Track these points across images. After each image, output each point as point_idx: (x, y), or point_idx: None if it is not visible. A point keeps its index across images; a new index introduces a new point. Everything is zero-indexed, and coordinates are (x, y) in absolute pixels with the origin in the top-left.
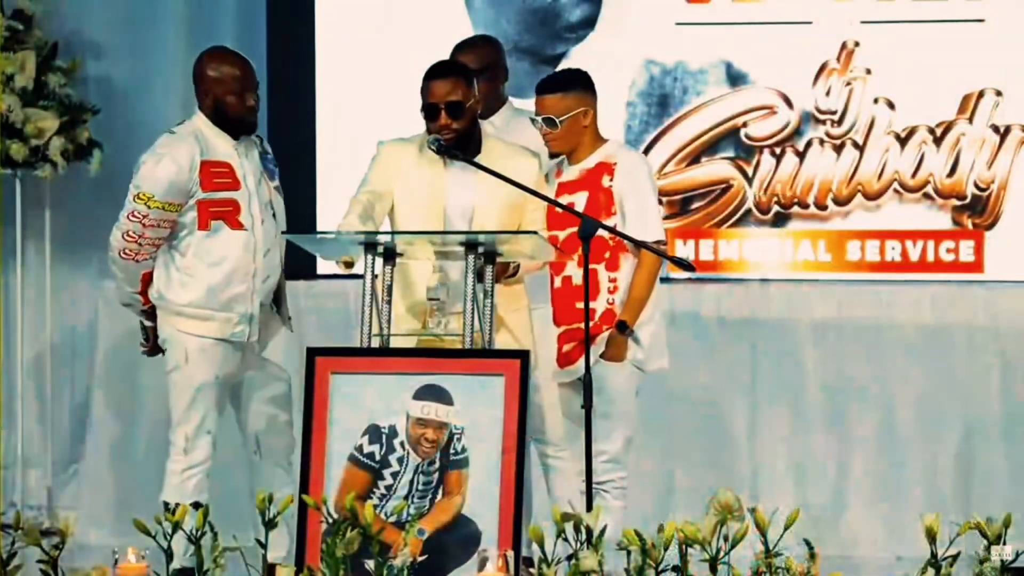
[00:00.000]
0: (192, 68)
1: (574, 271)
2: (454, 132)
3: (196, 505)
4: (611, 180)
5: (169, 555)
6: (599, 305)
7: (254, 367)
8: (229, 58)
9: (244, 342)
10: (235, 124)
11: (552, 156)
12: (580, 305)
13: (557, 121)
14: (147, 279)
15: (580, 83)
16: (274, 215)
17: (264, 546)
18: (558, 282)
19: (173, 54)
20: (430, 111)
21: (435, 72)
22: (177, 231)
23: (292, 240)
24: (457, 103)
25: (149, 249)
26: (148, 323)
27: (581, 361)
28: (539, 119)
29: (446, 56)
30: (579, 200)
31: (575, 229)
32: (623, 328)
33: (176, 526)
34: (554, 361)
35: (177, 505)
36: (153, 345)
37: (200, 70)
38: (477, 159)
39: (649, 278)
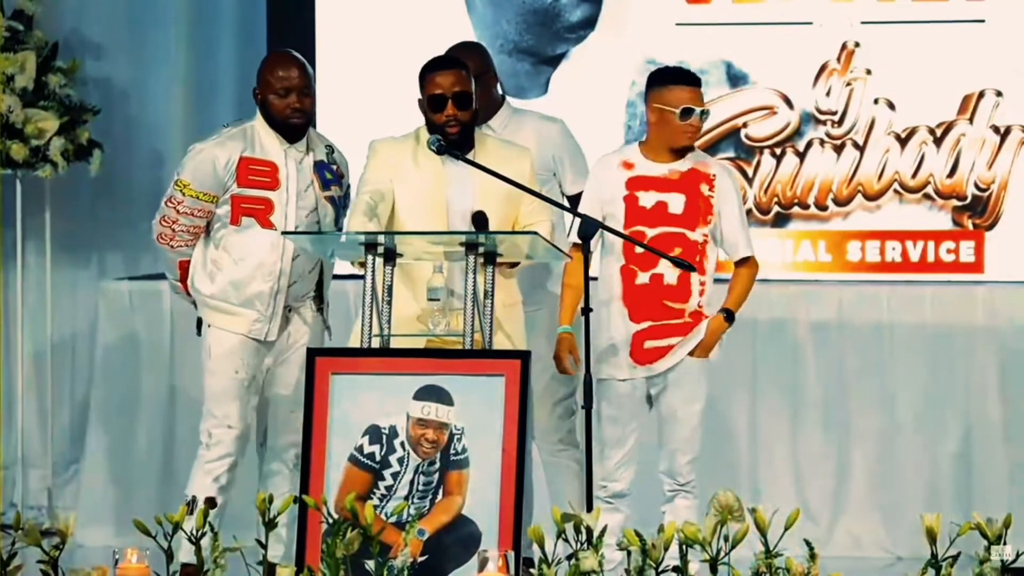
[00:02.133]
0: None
1: (666, 269)
2: (460, 124)
3: (211, 502)
4: (711, 191)
5: (169, 555)
6: (690, 306)
7: (279, 364)
8: (283, 59)
9: (263, 340)
10: (279, 125)
11: (681, 151)
12: (673, 304)
13: (707, 114)
14: (185, 268)
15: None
16: (319, 222)
17: (264, 546)
18: (644, 278)
19: (173, 55)
20: (437, 103)
21: (439, 65)
22: (214, 223)
23: (293, 240)
24: (464, 94)
25: (183, 236)
26: (198, 313)
27: (662, 360)
28: (699, 110)
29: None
30: (674, 201)
31: (666, 229)
32: (731, 317)
33: (176, 526)
34: (628, 357)
35: (194, 499)
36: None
37: (259, 70)
38: (473, 158)
39: (754, 278)
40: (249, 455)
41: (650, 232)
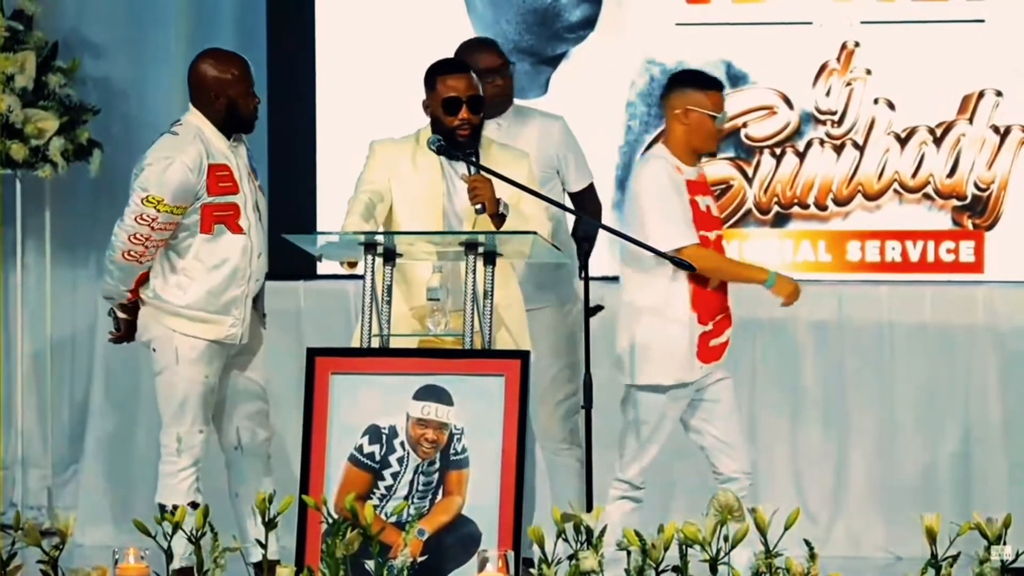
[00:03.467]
0: (190, 70)
1: None
2: (472, 127)
3: (193, 505)
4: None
5: (169, 555)
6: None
7: (237, 363)
8: (233, 58)
9: (237, 344)
10: (246, 124)
11: (710, 155)
12: (728, 302)
13: None
14: (142, 279)
15: None
16: (260, 216)
17: (264, 546)
18: (715, 281)
19: (173, 54)
20: (451, 106)
21: (451, 68)
22: (178, 232)
23: (293, 240)
24: (477, 97)
25: (153, 251)
26: (122, 315)
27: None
28: (723, 115)
29: (445, 56)
30: (712, 205)
31: (717, 231)
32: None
33: (176, 527)
34: (696, 359)
35: (174, 507)
36: (124, 335)
37: (203, 72)
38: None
39: None
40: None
41: (711, 235)
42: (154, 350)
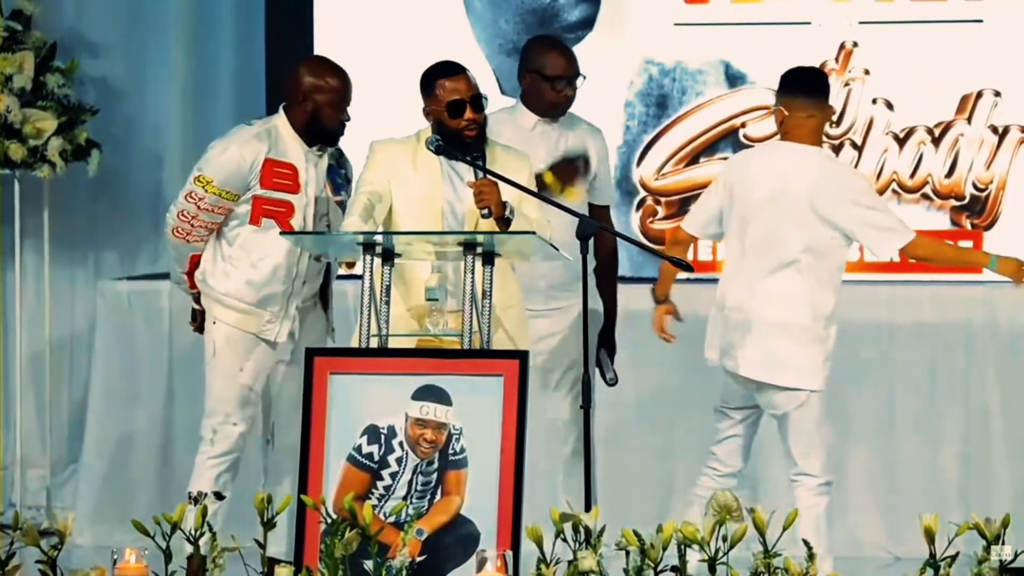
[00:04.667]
0: (290, 71)
1: None
2: (478, 126)
3: (219, 495)
4: None
5: (168, 555)
6: None
7: (287, 362)
8: (333, 69)
9: (271, 341)
10: (327, 135)
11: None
12: None
13: None
14: (195, 262)
15: None
16: (328, 226)
17: (263, 546)
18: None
19: (172, 55)
20: (456, 108)
21: (451, 70)
22: (230, 220)
23: (291, 240)
24: (479, 96)
25: (200, 232)
26: (196, 306)
27: None
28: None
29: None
30: None
31: None
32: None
33: (175, 526)
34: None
35: (199, 494)
36: (199, 325)
37: (299, 75)
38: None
39: None
40: (251, 453)
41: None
42: (205, 339)
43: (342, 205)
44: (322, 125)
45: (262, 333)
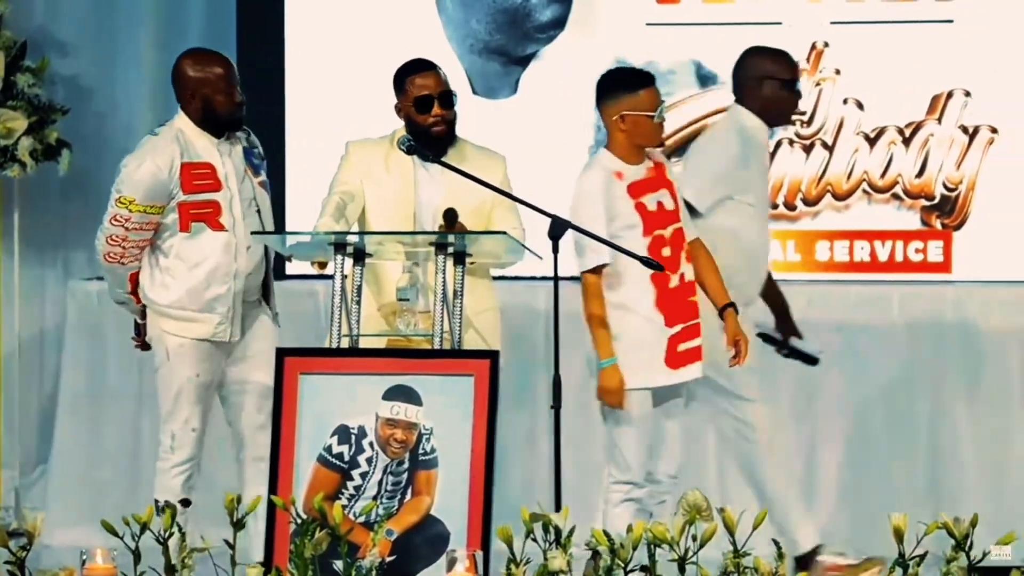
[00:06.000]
0: (172, 70)
1: (685, 267)
2: (447, 123)
3: (185, 502)
4: (671, 177)
5: (137, 556)
6: (697, 298)
7: (238, 364)
8: (211, 57)
9: (226, 342)
10: (225, 122)
11: (639, 155)
12: (694, 299)
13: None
14: (135, 280)
15: None
16: (258, 211)
17: (232, 547)
18: (675, 280)
19: (142, 54)
20: (423, 103)
21: (420, 67)
22: (160, 232)
23: (262, 240)
24: (448, 93)
25: (133, 251)
26: (141, 320)
27: (693, 366)
28: (657, 113)
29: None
30: (665, 198)
31: (673, 226)
32: (735, 307)
33: (144, 527)
34: (663, 363)
35: (166, 503)
36: (143, 341)
37: (181, 71)
38: (447, 159)
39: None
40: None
41: (666, 233)
42: (153, 349)
43: (264, 185)
44: (217, 114)
45: (215, 337)
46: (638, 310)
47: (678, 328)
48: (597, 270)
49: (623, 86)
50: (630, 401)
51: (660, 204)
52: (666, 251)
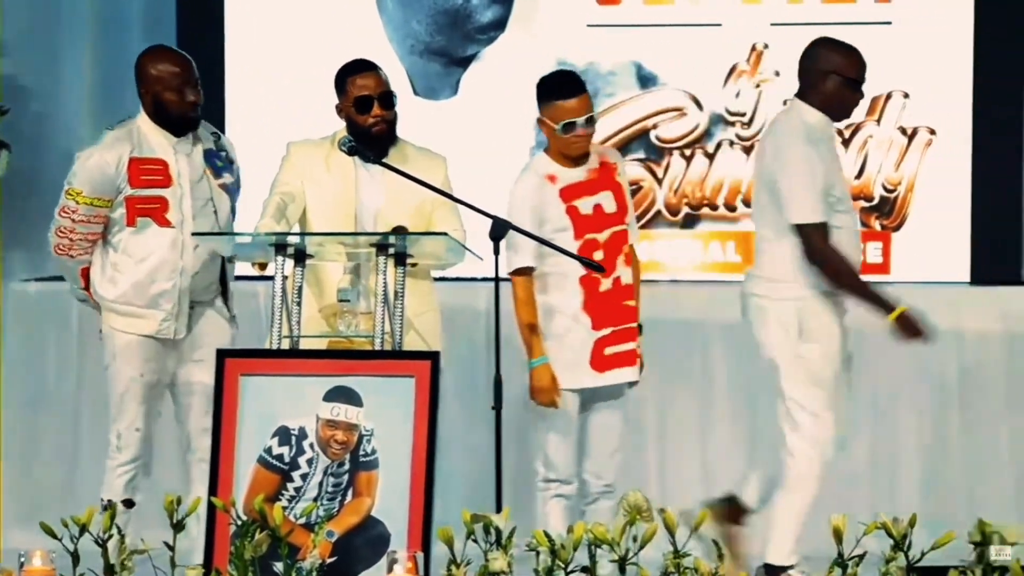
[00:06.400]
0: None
1: (622, 271)
2: (387, 123)
3: (128, 503)
4: (619, 178)
5: (76, 558)
6: (634, 303)
7: (189, 364)
8: (167, 55)
9: (171, 339)
10: (176, 121)
11: (576, 159)
12: (629, 303)
13: (595, 118)
14: (87, 274)
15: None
16: (215, 212)
17: (172, 549)
18: (607, 284)
19: (82, 52)
20: (363, 104)
21: (360, 67)
22: (111, 227)
23: (203, 241)
24: (388, 93)
25: (82, 244)
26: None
27: (622, 370)
28: (581, 120)
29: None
30: (606, 200)
31: (611, 230)
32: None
33: (83, 528)
34: (587, 366)
35: (109, 502)
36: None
37: (139, 68)
38: (388, 160)
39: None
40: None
41: (601, 237)
42: (104, 346)
43: (225, 188)
44: (168, 112)
45: (159, 333)
46: (565, 312)
47: (607, 331)
48: (524, 272)
49: (553, 92)
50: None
51: (598, 207)
52: (598, 255)
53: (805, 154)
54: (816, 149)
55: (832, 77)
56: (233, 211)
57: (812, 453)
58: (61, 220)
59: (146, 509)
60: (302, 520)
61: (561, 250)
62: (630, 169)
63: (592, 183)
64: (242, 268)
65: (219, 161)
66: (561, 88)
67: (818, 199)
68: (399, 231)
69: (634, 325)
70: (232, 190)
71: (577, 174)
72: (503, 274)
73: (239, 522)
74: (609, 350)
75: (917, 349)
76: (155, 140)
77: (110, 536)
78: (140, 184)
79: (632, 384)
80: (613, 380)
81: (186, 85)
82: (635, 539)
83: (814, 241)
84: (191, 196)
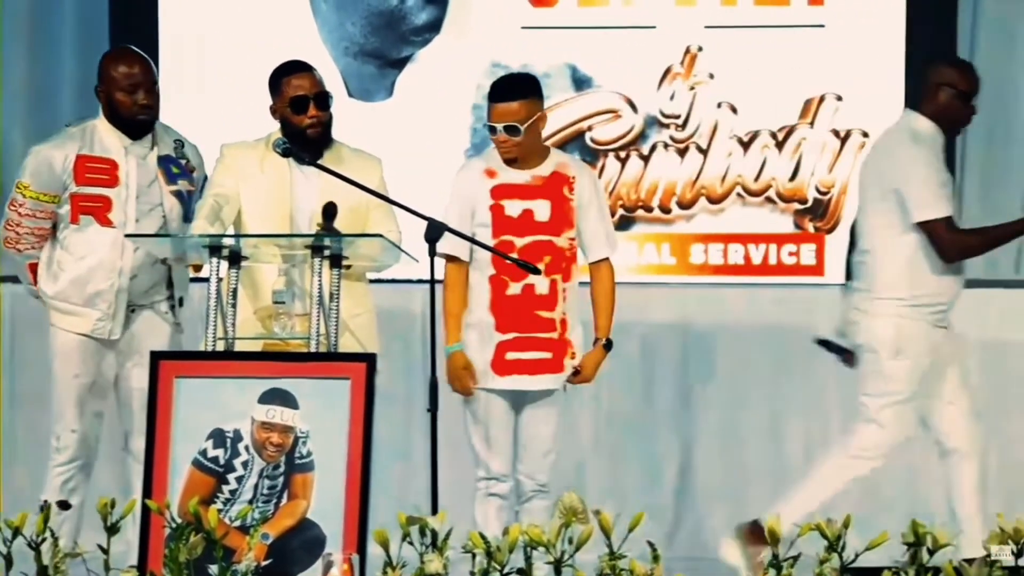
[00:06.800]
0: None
1: (537, 279)
2: (322, 124)
3: (63, 504)
4: (571, 192)
5: (8, 561)
6: (557, 316)
7: (130, 365)
8: (124, 56)
9: (107, 339)
10: (126, 122)
11: (506, 163)
12: (543, 314)
13: (520, 128)
14: (34, 270)
15: (536, 88)
16: (164, 216)
17: (106, 551)
18: (516, 289)
19: (13, 59)
20: (299, 104)
21: (295, 68)
22: (59, 223)
23: (138, 243)
24: (324, 94)
25: (29, 239)
26: None
27: (526, 378)
28: (499, 126)
29: (290, 58)
30: (539, 208)
31: (535, 237)
32: (610, 346)
33: (16, 531)
34: (488, 365)
35: (45, 502)
36: None
37: (100, 68)
38: (323, 162)
39: (615, 288)
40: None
41: (519, 241)
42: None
43: (178, 195)
44: (119, 113)
45: (94, 332)
46: (474, 309)
47: (510, 336)
48: (453, 259)
49: (489, 94)
50: (477, 398)
51: (528, 212)
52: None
53: (920, 154)
54: (929, 150)
55: (945, 89)
56: (189, 218)
57: (854, 463)
58: (9, 213)
59: (90, 511)
60: (237, 522)
61: (491, 249)
62: None
63: (531, 188)
64: None
65: (175, 167)
66: (492, 91)
67: (941, 194)
68: (329, 208)
69: (550, 336)
70: (186, 197)
71: (519, 176)
72: (439, 275)
73: (174, 524)
74: (511, 355)
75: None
76: (109, 141)
77: (43, 539)
78: (85, 182)
79: (548, 392)
80: (511, 386)
81: (139, 87)
82: (571, 541)
83: (944, 235)
84: (137, 199)
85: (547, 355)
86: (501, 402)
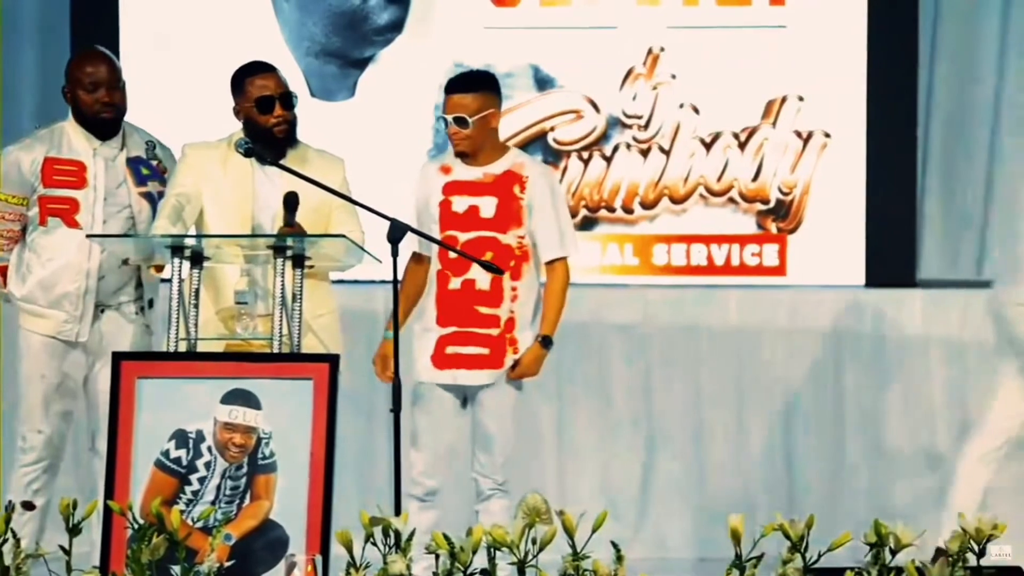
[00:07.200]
0: None
1: (479, 275)
2: (288, 124)
3: (27, 505)
4: (523, 192)
5: None
6: (503, 313)
7: (98, 366)
8: (89, 56)
9: (74, 341)
10: (91, 121)
11: (458, 156)
12: (484, 310)
13: (469, 121)
14: (4, 272)
15: (491, 84)
16: (132, 218)
17: (68, 552)
18: (456, 283)
19: None
20: (265, 104)
21: (259, 68)
22: (29, 226)
23: (99, 243)
24: (288, 94)
25: None
26: None
27: (466, 372)
28: (449, 118)
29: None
30: (486, 205)
31: (478, 233)
32: (548, 343)
33: None
34: (428, 360)
35: (10, 503)
36: None
37: (66, 70)
38: (287, 162)
39: (565, 289)
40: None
41: (462, 236)
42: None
43: (148, 196)
44: (83, 112)
45: (60, 334)
46: (423, 303)
47: (450, 330)
48: (414, 256)
49: (444, 88)
50: (420, 393)
51: (473, 208)
52: (452, 254)
53: None
54: None
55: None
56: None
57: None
58: None
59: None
60: (200, 523)
61: (455, 249)
62: None
63: (480, 185)
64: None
65: (145, 169)
66: (447, 84)
67: None
68: (290, 197)
69: (490, 332)
70: (157, 199)
71: (471, 173)
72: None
73: (136, 525)
74: (451, 349)
75: (812, 350)
76: (77, 142)
77: (5, 540)
78: (52, 184)
79: (485, 386)
80: (450, 380)
81: (100, 85)
82: (534, 541)
83: None
84: (105, 201)
85: (485, 351)
86: (446, 396)
